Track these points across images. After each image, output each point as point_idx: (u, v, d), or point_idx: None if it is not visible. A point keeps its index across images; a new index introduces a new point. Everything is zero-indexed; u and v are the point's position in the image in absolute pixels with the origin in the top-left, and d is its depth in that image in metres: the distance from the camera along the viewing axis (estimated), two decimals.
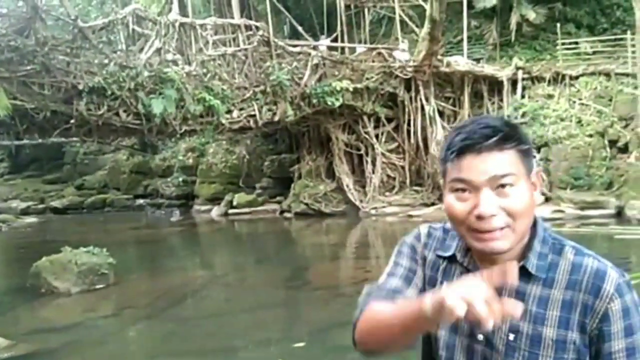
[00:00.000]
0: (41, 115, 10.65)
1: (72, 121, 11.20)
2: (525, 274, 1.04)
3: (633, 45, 14.38)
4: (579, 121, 14.52)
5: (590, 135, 14.06)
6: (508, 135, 1.01)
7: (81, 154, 24.13)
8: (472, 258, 1.11)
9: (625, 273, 1.05)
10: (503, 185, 1.00)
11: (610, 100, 14.55)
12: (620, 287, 1.01)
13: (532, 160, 1.07)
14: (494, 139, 1.00)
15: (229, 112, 13.05)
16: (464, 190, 1.03)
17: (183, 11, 14.03)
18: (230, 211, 17.29)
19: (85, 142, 18.44)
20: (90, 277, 8.39)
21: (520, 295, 1.04)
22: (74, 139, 15.30)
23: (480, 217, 1.00)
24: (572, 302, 1.02)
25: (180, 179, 20.03)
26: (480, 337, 1.07)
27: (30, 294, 8.24)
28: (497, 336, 1.05)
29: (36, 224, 18.32)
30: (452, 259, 1.15)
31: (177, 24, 12.51)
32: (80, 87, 10.74)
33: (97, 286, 8.41)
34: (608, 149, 13.83)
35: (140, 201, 20.95)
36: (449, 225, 1.18)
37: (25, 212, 20.03)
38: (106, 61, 11.25)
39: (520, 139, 1.03)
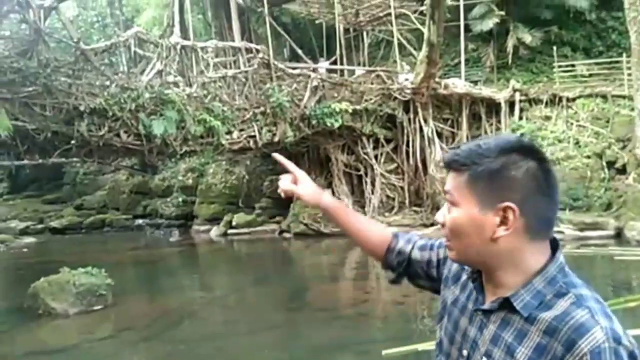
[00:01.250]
0: (42, 136, 10.71)
1: (72, 142, 11.25)
2: (512, 305, 1.03)
3: (629, 68, 14.55)
4: (577, 142, 14.61)
5: (589, 157, 14.14)
6: (463, 162, 1.06)
7: (81, 174, 24.17)
8: (480, 276, 1.13)
9: (624, 340, 0.93)
10: (449, 202, 1.10)
11: (608, 122, 14.67)
12: (600, 351, 0.91)
13: (505, 194, 1.02)
14: (452, 159, 1.09)
15: (229, 133, 13.13)
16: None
17: (184, 34, 14.24)
18: (230, 231, 17.25)
19: (86, 163, 18.49)
20: (88, 298, 8.35)
21: (504, 322, 1.04)
22: (75, 159, 15.35)
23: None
24: (546, 348, 0.96)
25: (180, 199, 20.03)
26: (465, 352, 1.11)
27: (28, 315, 8.20)
28: (475, 355, 1.08)
29: (35, 244, 18.24)
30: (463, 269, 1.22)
31: (178, 47, 12.66)
32: (82, 108, 10.81)
33: (95, 307, 8.37)
34: (606, 170, 13.89)
35: (140, 221, 20.89)
36: None
37: (24, 232, 19.95)
38: (108, 83, 11.36)
39: (479, 168, 1.03)
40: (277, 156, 1.56)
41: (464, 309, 1.15)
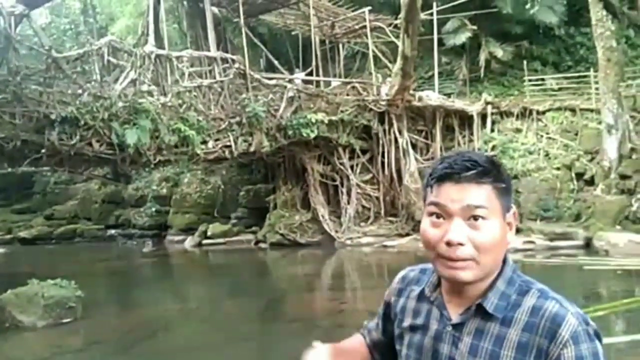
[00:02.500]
0: (11, 144, 10.46)
1: (43, 151, 11.02)
2: (485, 311, 1.06)
3: (596, 82, 15.01)
4: (547, 154, 14.97)
5: (558, 168, 14.49)
6: (486, 170, 1.06)
7: (52, 183, 23.64)
8: (440, 293, 1.15)
9: (590, 321, 1.03)
10: (475, 218, 1.04)
11: (576, 134, 15.09)
12: (577, 335, 0.99)
13: (510, 200, 1.09)
14: (473, 171, 1.05)
15: (204, 142, 13.04)
16: (438, 216, 1.07)
17: (159, 43, 14.11)
18: (205, 241, 17.08)
19: (56, 172, 18.13)
20: (57, 311, 8.14)
21: (478, 332, 1.06)
22: (45, 168, 15.03)
23: (449, 244, 1.04)
24: (527, 344, 1.01)
25: (154, 209, 19.75)
26: None
27: None
28: None
29: (3, 255, 17.75)
30: (421, 297, 1.19)
31: (153, 56, 12.55)
32: (53, 116, 10.61)
33: (64, 320, 8.17)
34: (575, 182, 14.25)
35: (112, 231, 20.54)
36: (427, 265, 1.23)
37: None
38: (80, 91, 11.18)
39: (499, 177, 1.07)
40: None
41: (426, 331, 1.15)
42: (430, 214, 1.09)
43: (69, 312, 8.26)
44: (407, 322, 1.20)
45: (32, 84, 10.81)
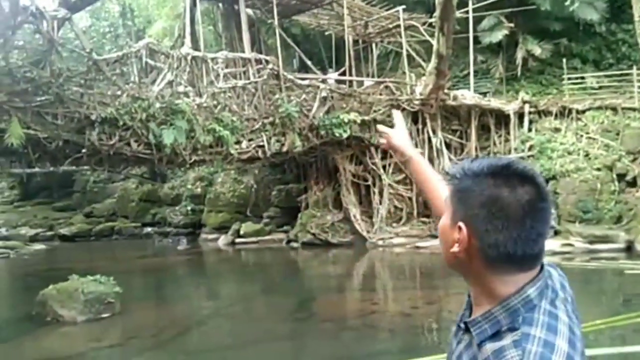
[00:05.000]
0: (53, 144, 10.81)
1: (83, 150, 11.36)
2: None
3: (639, 81, 14.50)
4: (587, 155, 14.52)
5: (598, 169, 14.04)
6: (451, 174, 1.11)
7: (91, 182, 24.36)
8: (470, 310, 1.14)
9: None
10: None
11: (618, 134, 14.59)
12: None
13: (464, 212, 1.03)
14: (446, 171, 1.14)
15: (238, 142, 13.20)
16: None
17: (195, 45, 14.33)
18: (237, 240, 17.29)
19: (96, 171, 18.64)
20: (96, 306, 8.40)
21: (469, 343, 1.06)
22: (85, 167, 15.47)
23: None
24: None
25: (189, 208, 20.12)
26: None
27: (36, 322, 8.25)
28: None
29: (44, 251, 18.38)
30: None
31: (189, 58, 12.78)
32: (93, 117, 10.93)
33: (103, 315, 8.41)
34: (616, 183, 13.78)
35: (148, 229, 20.99)
36: None
37: (33, 239, 20.11)
38: (119, 93, 11.47)
39: (466, 182, 1.05)
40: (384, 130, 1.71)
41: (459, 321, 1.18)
42: None
43: (107, 307, 8.50)
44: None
45: (74, 86, 11.13)
